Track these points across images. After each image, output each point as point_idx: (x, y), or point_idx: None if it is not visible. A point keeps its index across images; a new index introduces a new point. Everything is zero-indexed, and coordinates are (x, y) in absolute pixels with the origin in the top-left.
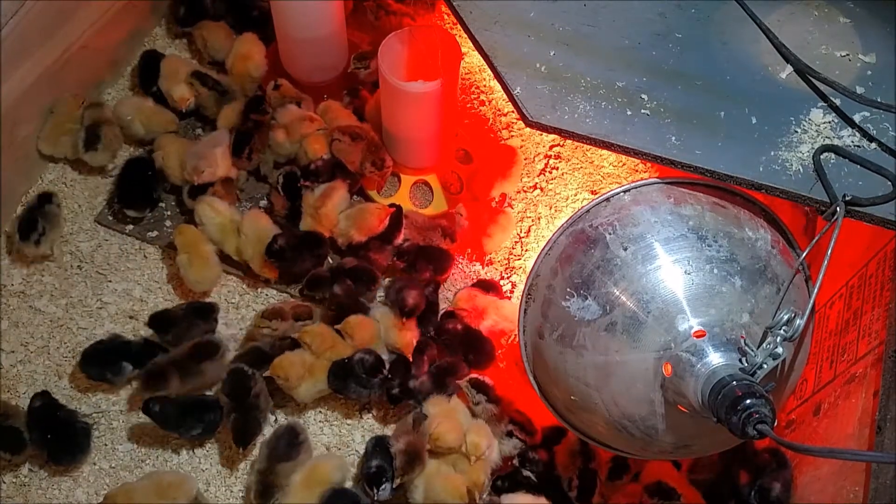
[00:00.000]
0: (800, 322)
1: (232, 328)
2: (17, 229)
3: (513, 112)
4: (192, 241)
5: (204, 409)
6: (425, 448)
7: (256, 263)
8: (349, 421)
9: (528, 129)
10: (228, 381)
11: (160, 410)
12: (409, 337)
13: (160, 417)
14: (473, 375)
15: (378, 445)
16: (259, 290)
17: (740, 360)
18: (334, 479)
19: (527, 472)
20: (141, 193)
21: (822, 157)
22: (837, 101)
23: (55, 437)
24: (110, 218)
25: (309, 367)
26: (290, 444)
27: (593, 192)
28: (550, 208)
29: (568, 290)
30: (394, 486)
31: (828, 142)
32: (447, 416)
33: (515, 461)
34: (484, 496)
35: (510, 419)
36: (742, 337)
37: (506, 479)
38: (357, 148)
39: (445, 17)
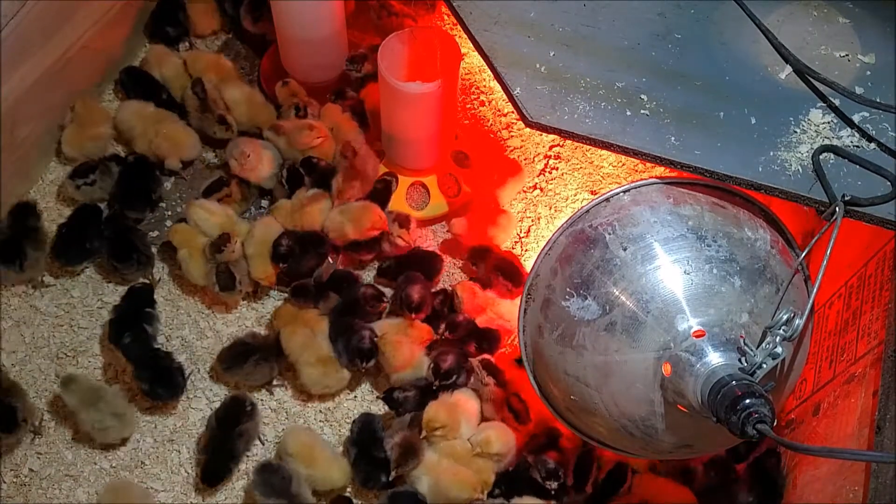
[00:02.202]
0: (799, 322)
1: (232, 326)
2: (76, 167)
3: (513, 112)
4: (189, 237)
5: (159, 369)
6: (421, 444)
7: (256, 264)
8: (349, 421)
9: (528, 130)
10: (224, 405)
11: (129, 345)
12: (424, 332)
13: (127, 352)
14: (486, 357)
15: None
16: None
17: (740, 360)
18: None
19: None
20: (140, 195)
21: (821, 157)
22: (837, 102)
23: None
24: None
25: (323, 359)
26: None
27: (593, 193)
28: (550, 208)
29: (568, 289)
30: (390, 478)
31: (827, 142)
32: (444, 405)
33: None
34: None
35: (508, 406)
36: (741, 337)
37: (503, 484)
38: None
39: (445, 17)
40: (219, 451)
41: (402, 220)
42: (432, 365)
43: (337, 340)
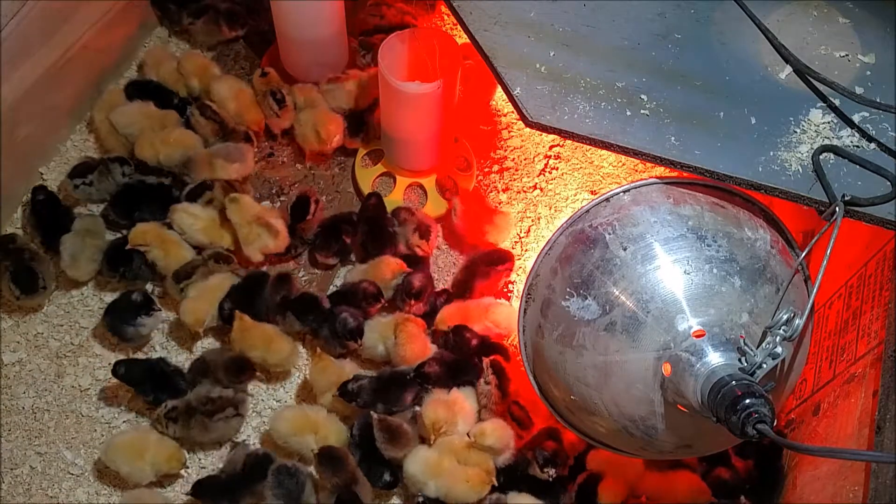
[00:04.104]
0: (799, 322)
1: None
2: (76, 166)
3: (513, 112)
4: (155, 235)
5: (162, 380)
6: (405, 428)
7: (190, 306)
8: (350, 420)
9: (528, 129)
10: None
11: (125, 373)
12: (420, 325)
13: (126, 379)
14: (496, 358)
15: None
16: None
17: (740, 360)
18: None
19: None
20: (128, 206)
21: (821, 157)
22: (837, 102)
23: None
24: (112, 218)
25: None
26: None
27: (593, 192)
28: (550, 208)
29: (568, 289)
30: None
31: (827, 142)
32: (441, 403)
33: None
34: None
35: (509, 412)
36: (741, 337)
37: (500, 479)
38: None
39: (445, 17)
40: None
41: (424, 232)
42: (405, 287)
43: (322, 326)
